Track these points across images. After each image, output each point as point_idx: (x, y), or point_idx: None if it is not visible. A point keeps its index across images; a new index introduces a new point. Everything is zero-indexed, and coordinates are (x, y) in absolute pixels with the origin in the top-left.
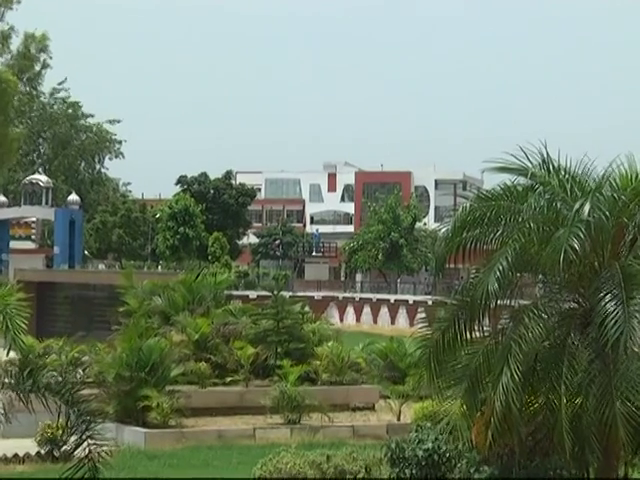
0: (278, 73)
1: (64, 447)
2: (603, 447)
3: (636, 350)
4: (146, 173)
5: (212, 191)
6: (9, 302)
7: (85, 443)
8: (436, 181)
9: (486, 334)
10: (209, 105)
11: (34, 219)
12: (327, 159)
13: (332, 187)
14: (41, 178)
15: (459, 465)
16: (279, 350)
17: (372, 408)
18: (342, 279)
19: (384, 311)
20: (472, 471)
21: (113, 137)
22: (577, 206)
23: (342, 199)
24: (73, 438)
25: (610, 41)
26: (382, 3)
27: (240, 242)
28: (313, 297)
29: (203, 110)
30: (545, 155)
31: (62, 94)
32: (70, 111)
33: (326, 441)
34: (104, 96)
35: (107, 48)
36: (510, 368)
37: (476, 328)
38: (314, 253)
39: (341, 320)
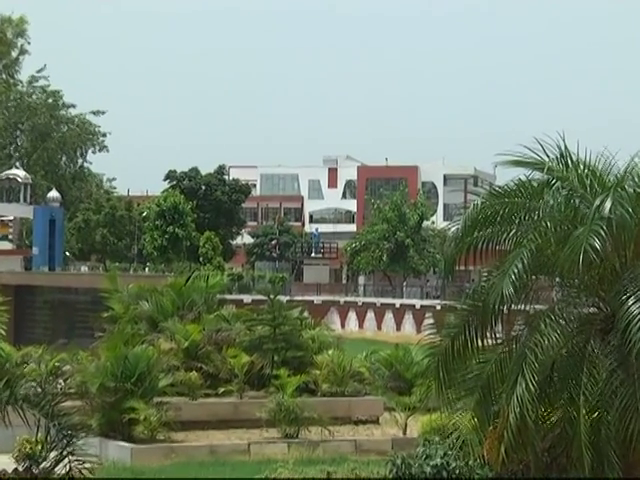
0: (275, 63)
1: (44, 464)
2: (625, 464)
3: None
4: (132, 168)
5: (203, 187)
6: None
7: (66, 459)
8: (445, 176)
9: (499, 341)
10: (200, 96)
11: (11, 217)
12: (327, 153)
13: (333, 183)
14: (19, 173)
15: None
16: (276, 359)
17: (376, 421)
18: (343, 282)
19: (389, 316)
20: None
21: (97, 129)
22: (597, 203)
23: (343, 196)
24: (53, 454)
25: (631, 32)
26: None
27: (234, 242)
28: (312, 301)
29: (194, 101)
30: (563, 148)
31: (41, 82)
32: (50, 101)
33: (326, 457)
34: (87, 85)
35: (91, 34)
36: (525, 378)
37: (488, 335)
38: (313, 254)
39: (342, 326)
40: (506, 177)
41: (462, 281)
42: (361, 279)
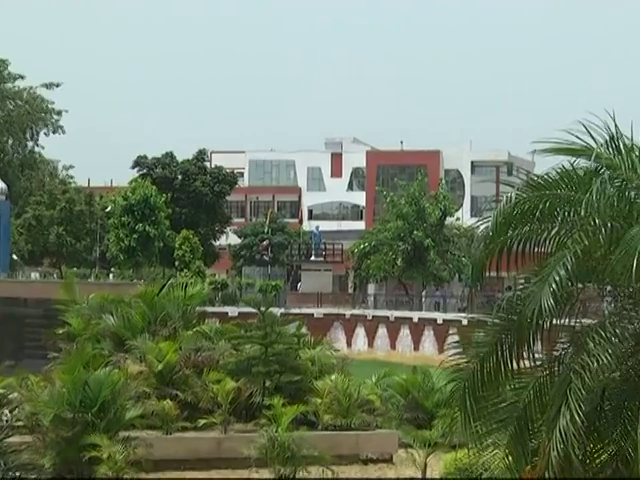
0: (266, 34)
1: None
2: None
3: None
4: (94, 153)
5: (180, 176)
6: None
7: None
8: (473, 163)
9: (538, 363)
10: (176, 68)
11: None
12: (330, 134)
13: (337, 171)
14: None
15: None
16: (267, 384)
17: (389, 460)
18: (350, 291)
19: (405, 333)
20: None
21: (50, 106)
22: None
23: (349, 187)
24: None
25: None
26: None
27: (217, 243)
28: (312, 315)
29: (169, 74)
30: (613, 131)
31: None
32: None
33: None
34: (40, 54)
35: None
36: (570, 408)
37: (525, 355)
38: (313, 257)
39: (349, 345)
40: (546, 164)
41: (493, 290)
42: (371, 288)
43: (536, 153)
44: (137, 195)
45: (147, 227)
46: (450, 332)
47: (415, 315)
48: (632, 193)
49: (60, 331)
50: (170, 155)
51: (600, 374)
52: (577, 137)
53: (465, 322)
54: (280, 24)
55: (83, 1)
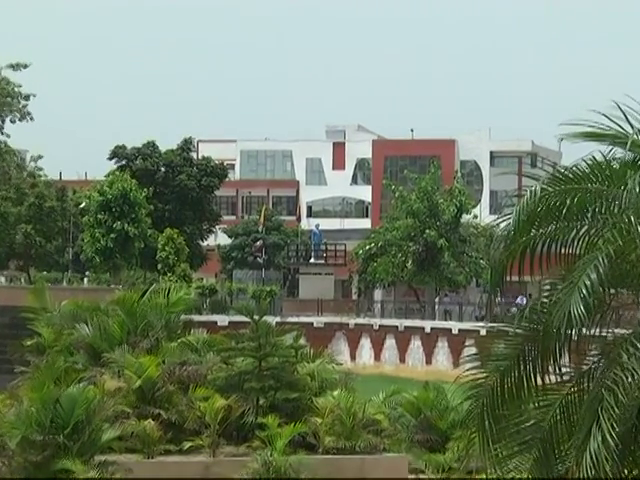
0: (265, 11)
1: None
2: None
3: None
4: (66, 143)
5: (163, 169)
6: None
7: None
8: (492, 154)
9: (566, 378)
10: (160, 49)
11: None
12: (332, 122)
13: (339, 163)
14: None
15: None
16: (261, 402)
17: None
18: (354, 298)
19: (416, 344)
20: None
21: (17, 89)
22: None
23: (354, 180)
24: None
25: None
26: None
27: (205, 244)
28: (311, 324)
29: (151, 55)
30: None
31: None
32: None
33: None
34: (6, 33)
35: None
36: (601, 428)
37: (551, 369)
38: (313, 260)
39: (353, 358)
40: (575, 154)
41: (515, 296)
42: (377, 294)
43: (564, 140)
44: (115, 190)
45: (126, 226)
46: (467, 343)
47: (427, 324)
48: None
49: (28, 342)
50: (152, 145)
51: (635, 390)
52: (612, 120)
53: (483, 332)
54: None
55: None
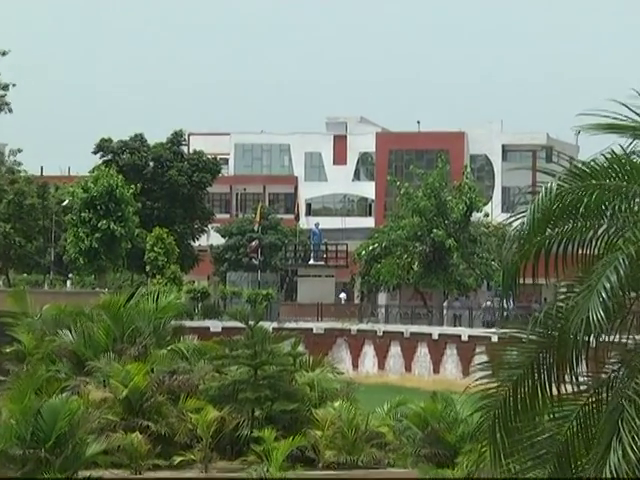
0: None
1: None
2: None
3: None
4: (48, 136)
5: (152, 164)
6: None
7: None
8: (504, 147)
9: (583, 388)
10: (146, 34)
11: None
12: (333, 113)
13: (340, 157)
14: None
15: None
16: (257, 414)
17: None
18: (356, 302)
19: (422, 352)
20: None
21: None
22: None
23: (356, 176)
24: None
25: None
26: None
27: (196, 244)
28: (311, 330)
29: (137, 41)
30: None
31: None
32: None
33: None
34: None
35: None
36: (622, 442)
37: (568, 379)
38: (312, 261)
39: (355, 366)
40: (593, 148)
41: (529, 300)
42: (382, 297)
43: (581, 132)
44: (100, 186)
45: (112, 225)
46: (477, 351)
47: (435, 330)
48: None
49: (8, 349)
50: (140, 138)
51: None
52: (633, 111)
53: (495, 339)
54: None
55: None
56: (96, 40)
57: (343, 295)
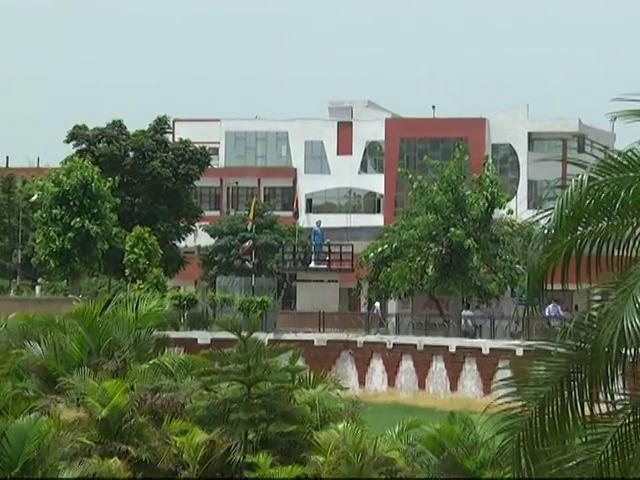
0: None
1: None
2: None
3: None
4: (14, 123)
5: (132, 154)
6: None
7: None
8: (531, 136)
9: (619, 407)
10: (130, 16)
11: None
12: (336, 97)
13: (345, 146)
14: None
15: None
16: (251, 437)
17: None
18: (363, 310)
19: (438, 367)
20: None
21: None
22: None
23: (362, 168)
24: None
25: None
26: None
27: (182, 245)
28: (312, 342)
29: (120, 16)
30: None
31: None
32: None
33: None
34: None
35: None
36: None
37: (601, 397)
38: (313, 264)
39: (362, 383)
40: (631, 136)
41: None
42: (392, 305)
43: (617, 119)
44: (73, 179)
45: (87, 223)
46: (499, 366)
47: (452, 342)
48: None
49: None
50: (118, 125)
51: None
52: None
53: (520, 352)
54: None
55: None
56: (73, 20)
57: (377, 305)
